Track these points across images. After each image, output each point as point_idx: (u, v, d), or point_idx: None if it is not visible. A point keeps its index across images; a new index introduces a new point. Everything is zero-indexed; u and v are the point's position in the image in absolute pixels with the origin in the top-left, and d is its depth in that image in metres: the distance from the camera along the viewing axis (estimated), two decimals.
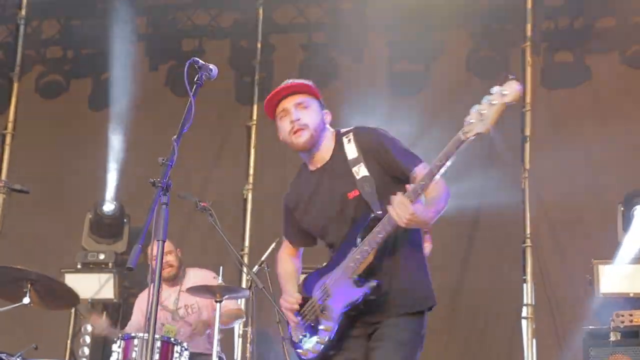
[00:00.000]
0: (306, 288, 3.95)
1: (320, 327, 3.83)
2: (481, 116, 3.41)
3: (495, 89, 3.38)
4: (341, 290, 3.76)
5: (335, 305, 3.78)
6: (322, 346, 3.82)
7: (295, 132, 3.82)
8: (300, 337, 3.91)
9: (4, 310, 5.42)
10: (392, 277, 3.72)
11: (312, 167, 3.94)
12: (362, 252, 3.68)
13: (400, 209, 3.51)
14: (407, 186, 3.54)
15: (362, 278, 3.68)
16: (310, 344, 3.87)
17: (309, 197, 3.93)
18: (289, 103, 3.87)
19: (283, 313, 3.99)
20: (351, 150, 3.79)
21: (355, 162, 3.76)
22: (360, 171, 3.75)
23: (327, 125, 3.90)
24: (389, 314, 3.72)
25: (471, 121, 3.42)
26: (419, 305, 3.77)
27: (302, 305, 3.89)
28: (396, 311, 3.72)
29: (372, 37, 8.48)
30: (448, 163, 3.47)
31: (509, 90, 3.37)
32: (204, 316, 6.47)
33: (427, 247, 3.78)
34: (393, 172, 3.78)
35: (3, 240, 8.44)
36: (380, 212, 3.67)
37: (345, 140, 3.83)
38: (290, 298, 3.91)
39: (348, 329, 3.78)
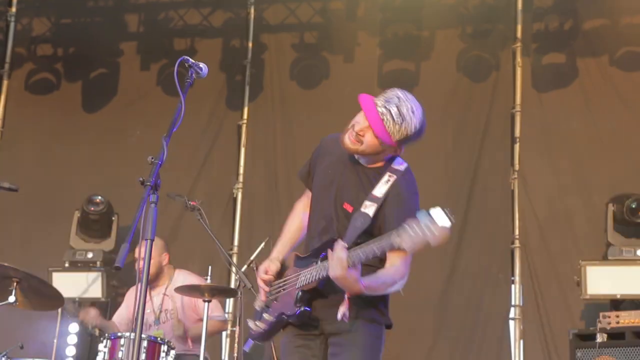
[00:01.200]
0: (294, 265, 3.88)
1: (265, 315, 3.84)
2: (413, 233, 3.32)
3: (433, 226, 3.27)
4: (287, 296, 3.76)
5: (280, 304, 3.80)
6: (259, 334, 3.86)
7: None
8: (263, 307, 3.89)
9: None
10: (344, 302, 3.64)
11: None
12: (312, 277, 3.67)
13: (337, 264, 3.47)
14: (350, 251, 3.48)
15: (304, 296, 3.68)
16: (257, 322, 3.87)
17: (334, 168, 3.87)
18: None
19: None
20: (381, 189, 3.67)
21: (374, 200, 3.65)
22: (368, 209, 3.65)
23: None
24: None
25: (407, 230, 3.33)
26: (376, 317, 3.75)
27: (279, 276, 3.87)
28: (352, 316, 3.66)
29: (363, 36, 8.49)
30: (370, 256, 3.45)
31: (437, 236, 3.28)
32: (182, 329, 6.39)
33: (341, 310, 3.57)
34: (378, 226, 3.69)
35: None
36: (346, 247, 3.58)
37: (386, 177, 3.70)
38: (272, 266, 3.86)
39: (307, 326, 3.77)
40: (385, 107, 3.61)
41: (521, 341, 7.35)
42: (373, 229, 3.66)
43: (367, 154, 3.74)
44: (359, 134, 3.67)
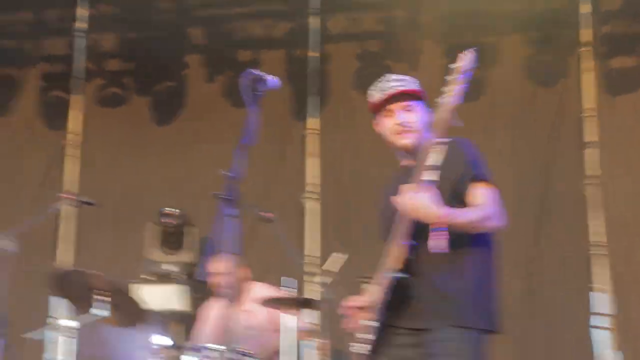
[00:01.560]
0: None
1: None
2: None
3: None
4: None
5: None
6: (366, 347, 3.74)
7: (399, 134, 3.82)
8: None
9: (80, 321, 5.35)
10: (436, 281, 3.59)
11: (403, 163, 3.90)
12: (394, 245, 3.59)
13: (402, 197, 3.47)
14: None
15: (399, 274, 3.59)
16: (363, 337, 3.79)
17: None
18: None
19: None
20: (435, 158, 3.58)
21: (431, 168, 3.57)
22: (429, 176, 3.56)
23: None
24: (433, 323, 3.59)
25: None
26: (469, 321, 3.60)
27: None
28: (441, 322, 3.58)
29: (427, 44, 8.43)
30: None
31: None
32: (264, 342, 6.35)
33: (431, 243, 3.43)
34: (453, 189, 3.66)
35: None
36: None
37: (434, 149, 3.63)
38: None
39: (392, 335, 3.67)
40: (389, 86, 3.85)
41: (620, 352, 7.22)
42: (449, 190, 3.60)
43: (421, 130, 3.79)
44: (404, 124, 3.78)
